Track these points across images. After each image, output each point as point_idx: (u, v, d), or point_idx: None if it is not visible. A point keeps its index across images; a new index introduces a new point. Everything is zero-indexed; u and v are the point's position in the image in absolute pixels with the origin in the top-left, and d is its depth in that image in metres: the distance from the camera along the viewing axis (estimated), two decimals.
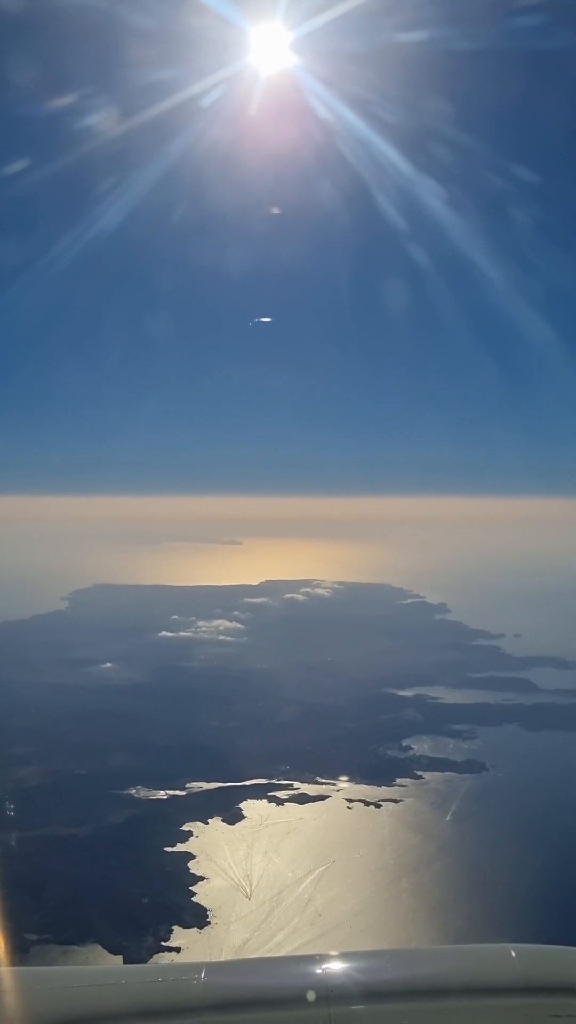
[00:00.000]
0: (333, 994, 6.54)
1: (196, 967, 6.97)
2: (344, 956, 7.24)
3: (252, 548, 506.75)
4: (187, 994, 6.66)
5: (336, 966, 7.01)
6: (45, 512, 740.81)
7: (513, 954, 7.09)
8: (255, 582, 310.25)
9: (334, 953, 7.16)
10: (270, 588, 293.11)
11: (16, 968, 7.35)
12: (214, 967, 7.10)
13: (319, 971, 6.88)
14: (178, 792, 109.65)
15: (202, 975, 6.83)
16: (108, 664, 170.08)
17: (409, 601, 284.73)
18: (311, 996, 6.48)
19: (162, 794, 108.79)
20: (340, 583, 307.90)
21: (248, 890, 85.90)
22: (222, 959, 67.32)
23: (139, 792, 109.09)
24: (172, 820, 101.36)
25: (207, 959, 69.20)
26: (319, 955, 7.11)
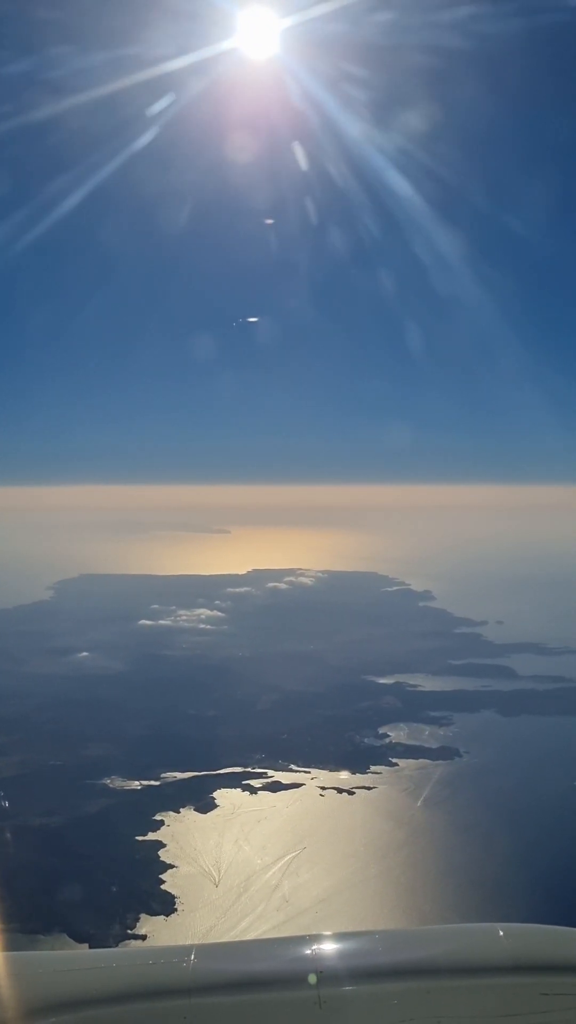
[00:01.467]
0: (323, 975, 6.54)
1: (186, 949, 6.95)
2: (334, 937, 7.22)
3: (240, 537, 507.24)
4: (177, 976, 6.66)
5: (326, 947, 6.99)
6: (33, 502, 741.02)
7: (501, 933, 7.08)
8: (241, 571, 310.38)
9: (325, 934, 7.13)
10: (256, 577, 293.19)
11: (5, 953, 7.32)
12: (204, 949, 7.06)
13: (309, 952, 6.86)
14: (153, 782, 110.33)
15: (192, 957, 6.81)
16: (88, 653, 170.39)
17: (394, 589, 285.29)
18: (312, 979, 6.49)
19: (136, 784, 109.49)
20: (326, 572, 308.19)
21: (216, 877, 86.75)
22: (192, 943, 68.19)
23: (114, 782, 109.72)
24: (145, 809, 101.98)
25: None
26: (309, 936, 7.09)
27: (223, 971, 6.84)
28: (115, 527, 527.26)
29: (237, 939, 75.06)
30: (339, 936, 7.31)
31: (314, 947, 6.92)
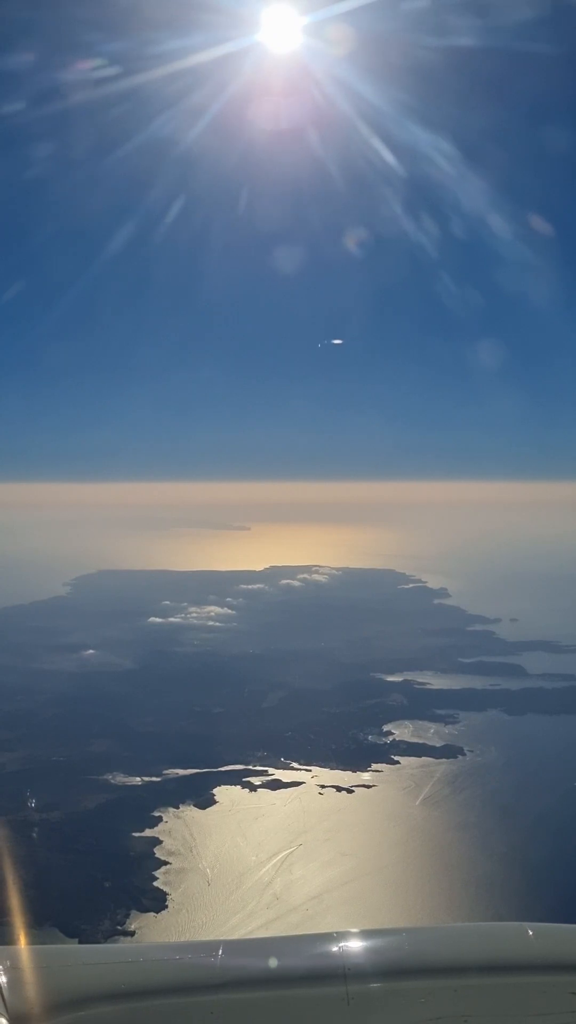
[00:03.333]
0: (351, 972, 6.57)
1: (213, 945, 7.03)
2: (361, 934, 7.27)
3: (260, 533, 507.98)
4: (205, 972, 6.72)
5: (354, 944, 7.03)
6: (55, 498, 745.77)
7: (530, 932, 7.11)
8: (259, 568, 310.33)
9: (352, 930, 7.19)
10: (272, 574, 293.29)
11: (34, 946, 7.44)
12: (231, 945, 7.15)
13: (336, 949, 6.89)
14: (154, 778, 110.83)
15: (219, 953, 6.90)
16: (97, 650, 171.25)
17: (410, 586, 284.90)
18: (273, 963, 6.70)
19: (137, 780, 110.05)
20: (341, 569, 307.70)
21: (209, 874, 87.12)
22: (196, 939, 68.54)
23: (115, 778, 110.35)
24: (144, 806, 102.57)
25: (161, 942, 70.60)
26: (336, 933, 7.10)
27: (251, 967, 6.93)
28: (137, 523, 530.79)
29: (225, 934, 75.41)
30: (367, 933, 7.34)
31: (342, 944, 6.97)
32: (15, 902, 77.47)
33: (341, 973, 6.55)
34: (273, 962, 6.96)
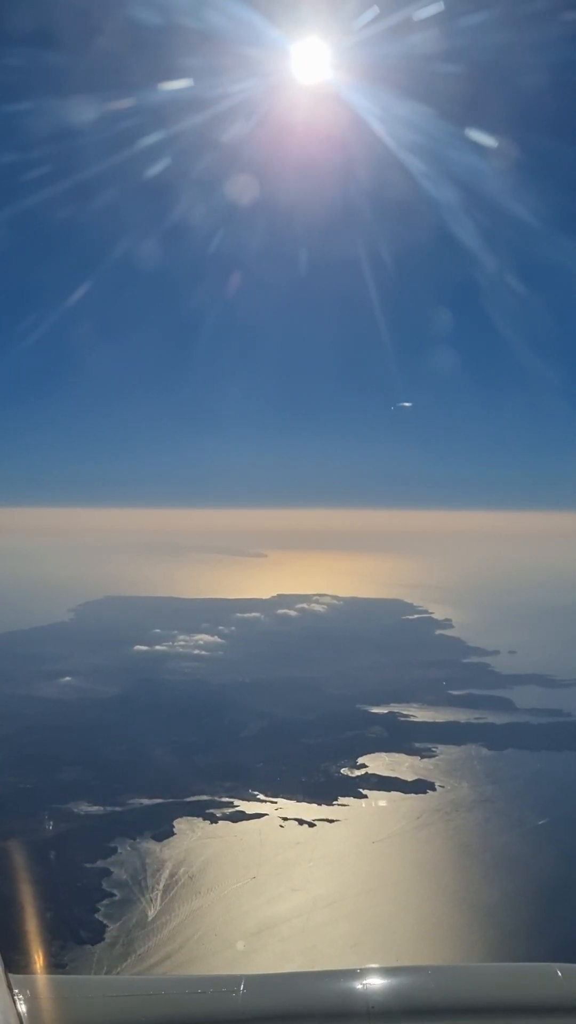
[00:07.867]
0: (375, 1011, 6.51)
1: (235, 979, 6.99)
2: (386, 971, 7.23)
3: (276, 561, 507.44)
4: (226, 1007, 6.69)
5: (378, 981, 6.98)
6: (76, 524, 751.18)
7: (559, 973, 6.98)
8: (266, 595, 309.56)
9: (376, 967, 7.16)
10: (278, 602, 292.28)
11: (56, 976, 7.52)
12: (253, 980, 7.08)
13: (360, 986, 6.85)
14: (117, 808, 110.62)
15: (241, 988, 6.85)
16: (83, 677, 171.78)
17: (415, 616, 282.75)
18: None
19: (100, 809, 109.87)
20: (342, 598, 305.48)
21: (152, 908, 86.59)
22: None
23: (78, 807, 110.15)
24: (102, 836, 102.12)
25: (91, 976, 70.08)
26: (360, 969, 7.08)
27: (272, 1003, 6.96)
28: (154, 550, 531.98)
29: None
30: (391, 970, 7.34)
31: (366, 981, 6.95)
32: None
33: (365, 1011, 6.52)
34: (296, 998, 7.01)
